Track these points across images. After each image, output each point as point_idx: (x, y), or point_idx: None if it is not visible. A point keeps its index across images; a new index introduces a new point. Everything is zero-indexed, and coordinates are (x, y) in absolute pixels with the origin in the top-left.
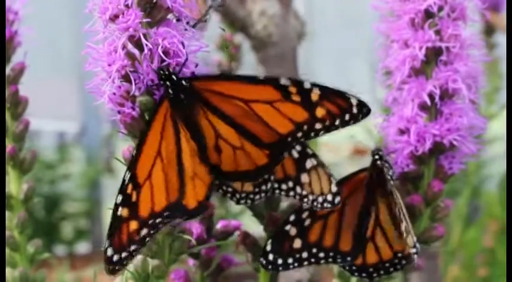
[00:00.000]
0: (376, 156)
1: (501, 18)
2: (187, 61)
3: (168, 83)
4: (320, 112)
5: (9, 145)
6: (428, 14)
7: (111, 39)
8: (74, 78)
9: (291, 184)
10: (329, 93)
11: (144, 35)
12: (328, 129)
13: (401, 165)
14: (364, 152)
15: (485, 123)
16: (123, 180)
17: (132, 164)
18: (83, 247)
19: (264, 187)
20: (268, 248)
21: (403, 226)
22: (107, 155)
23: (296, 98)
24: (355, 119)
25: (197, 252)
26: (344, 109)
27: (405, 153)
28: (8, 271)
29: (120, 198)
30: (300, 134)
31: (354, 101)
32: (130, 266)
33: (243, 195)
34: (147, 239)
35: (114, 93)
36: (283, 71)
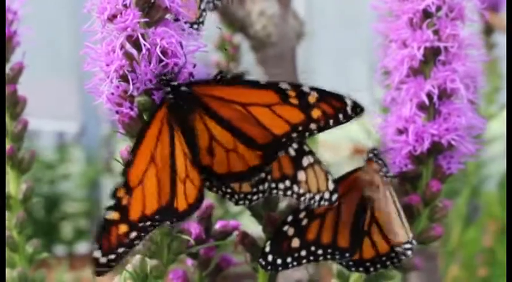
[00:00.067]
0: (371, 155)
1: (500, 18)
2: (186, 61)
3: (168, 88)
4: (316, 113)
5: (7, 145)
6: (426, 14)
7: (109, 39)
8: (73, 78)
9: (288, 183)
10: (326, 96)
11: (142, 35)
12: (322, 128)
13: (400, 165)
14: (364, 151)
15: (483, 123)
16: (116, 184)
17: (126, 168)
18: (82, 247)
19: (261, 187)
20: (267, 249)
21: (394, 221)
22: (106, 155)
23: (294, 101)
24: (348, 118)
25: (196, 252)
26: (338, 109)
27: (403, 153)
28: (7, 271)
29: (111, 202)
30: (294, 135)
31: (349, 102)
32: (129, 266)
33: (241, 195)
34: (136, 241)
35: (112, 93)
36: (282, 71)
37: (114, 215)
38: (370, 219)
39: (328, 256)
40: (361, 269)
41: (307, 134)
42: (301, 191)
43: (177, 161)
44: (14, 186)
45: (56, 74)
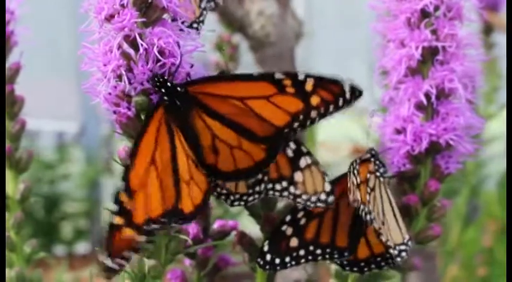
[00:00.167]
0: (369, 155)
1: (500, 18)
2: (183, 61)
3: (163, 90)
4: (315, 100)
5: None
6: (424, 14)
7: (106, 39)
8: (73, 78)
9: (285, 184)
10: (322, 82)
11: (140, 35)
12: (323, 115)
13: (398, 164)
14: (363, 151)
15: (482, 123)
16: (118, 189)
17: (126, 173)
18: (82, 247)
19: (258, 188)
20: (266, 248)
21: (381, 223)
22: (106, 155)
23: (291, 90)
24: (348, 104)
25: (194, 252)
26: (337, 94)
27: (402, 153)
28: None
29: (114, 206)
30: (296, 124)
31: (346, 86)
32: (127, 266)
33: (237, 196)
34: (143, 244)
35: (110, 93)
36: (281, 70)
37: (118, 220)
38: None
39: (327, 256)
40: (355, 268)
41: (308, 122)
42: (298, 192)
43: (179, 162)
44: (12, 186)
45: (55, 74)
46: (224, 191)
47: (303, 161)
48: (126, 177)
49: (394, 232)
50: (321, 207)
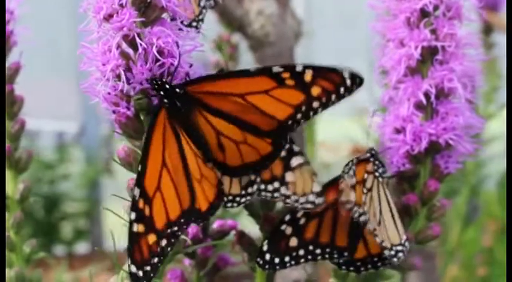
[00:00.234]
0: (367, 155)
1: (499, 18)
2: (182, 61)
3: (162, 92)
4: (316, 91)
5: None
6: (423, 13)
7: (105, 38)
8: (73, 78)
9: (276, 185)
10: (321, 71)
11: (139, 35)
12: (325, 105)
13: (397, 164)
14: (363, 151)
15: (481, 123)
16: (133, 197)
17: (140, 179)
18: (82, 247)
19: (250, 189)
20: (265, 248)
21: (377, 223)
22: (106, 155)
23: (290, 82)
24: (349, 91)
25: (193, 251)
26: (338, 83)
27: (401, 153)
28: None
29: (133, 214)
30: (299, 116)
31: (346, 74)
32: (126, 266)
33: (230, 198)
34: (168, 248)
35: (109, 93)
36: None
37: (139, 228)
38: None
39: (326, 255)
40: (352, 268)
41: (311, 113)
42: (288, 192)
43: (189, 163)
44: (11, 186)
45: (55, 74)
46: None
47: (294, 161)
48: (140, 184)
49: (391, 232)
50: (309, 209)
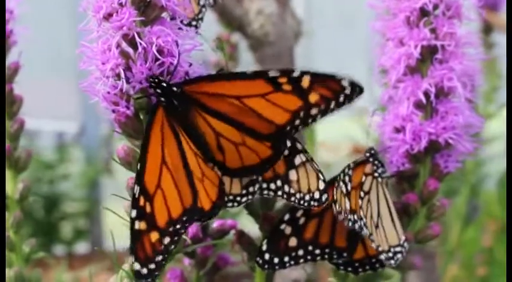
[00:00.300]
0: (364, 157)
1: (499, 18)
2: (182, 60)
3: (158, 90)
4: (313, 97)
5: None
6: (423, 12)
7: (105, 37)
8: (73, 78)
9: (279, 183)
10: (320, 78)
11: (138, 34)
12: (324, 113)
13: (397, 163)
14: (363, 151)
15: (481, 122)
16: (134, 194)
17: (139, 176)
18: (82, 247)
19: (251, 189)
20: (264, 247)
21: (374, 227)
22: (106, 155)
23: (287, 87)
24: (349, 100)
25: (193, 251)
26: (337, 91)
27: (401, 152)
28: None
29: (134, 212)
30: (297, 122)
31: (345, 82)
32: (125, 265)
33: (231, 197)
34: (172, 246)
35: (109, 92)
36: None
37: (141, 225)
38: None
39: (326, 256)
40: (349, 269)
41: (310, 120)
42: (292, 191)
43: (189, 161)
44: (11, 186)
45: (55, 74)
46: None
47: (298, 159)
48: (140, 181)
49: (390, 233)
50: (314, 206)
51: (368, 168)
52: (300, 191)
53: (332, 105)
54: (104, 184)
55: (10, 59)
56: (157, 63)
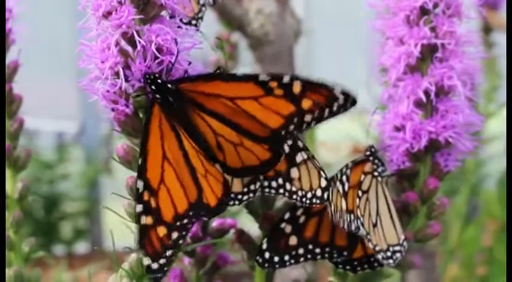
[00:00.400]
0: (364, 156)
1: (499, 17)
2: (181, 58)
3: (153, 87)
4: (306, 104)
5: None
6: (423, 11)
7: (104, 36)
8: (73, 78)
9: (281, 181)
10: (311, 85)
11: (137, 32)
12: (318, 120)
13: (397, 162)
14: (363, 150)
15: (481, 120)
16: (137, 189)
17: (141, 171)
18: (81, 247)
19: (253, 187)
20: (264, 246)
21: (372, 226)
22: (105, 155)
23: (279, 92)
24: (343, 109)
25: (192, 250)
26: (330, 99)
27: (401, 151)
28: None
29: (139, 207)
30: (292, 127)
31: (337, 91)
32: (125, 264)
33: (232, 196)
34: (180, 241)
35: (108, 91)
36: (279, 69)
37: (147, 220)
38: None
39: (326, 255)
40: (348, 267)
41: (304, 125)
42: (294, 188)
43: (191, 158)
44: (10, 185)
45: (55, 74)
46: None
47: (299, 157)
48: (142, 176)
49: (389, 232)
50: (316, 204)
51: (367, 167)
52: (301, 189)
53: (326, 113)
54: (103, 183)
55: (9, 57)
56: (157, 61)
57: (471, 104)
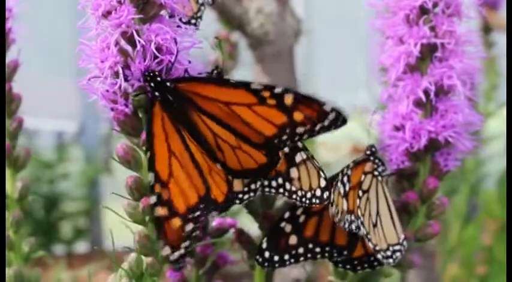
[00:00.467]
0: (364, 156)
1: (499, 17)
2: (181, 58)
3: (152, 84)
4: (298, 116)
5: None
6: (423, 10)
7: (104, 35)
8: (73, 78)
9: (280, 181)
10: (302, 99)
11: (137, 31)
12: (311, 133)
13: (397, 162)
14: (363, 150)
15: (481, 120)
16: (149, 182)
17: (150, 163)
18: (81, 246)
19: (253, 186)
20: (264, 245)
21: (372, 225)
22: (105, 155)
23: (271, 101)
24: (334, 125)
25: (192, 250)
26: (321, 115)
27: (400, 150)
28: None
29: (153, 198)
30: (285, 137)
31: (328, 108)
32: (125, 264)
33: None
34: (194, 233)
35: (107, 90)
36: (279, 69)
37: (162, 211)
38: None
39: (326, 254)
40: (348, 266)
41: (297, 137)
42: (293, 188)
43: (195, 155)
44: (10, 185)
45: (55, 73)
46: None
47: (299, 157)
48: (153, 169)
49: (389, 232)
50: (316, 204)
51: (368, 166)
52: (301, 189)
53: (318, 128)
54: (103, 183)
55: (9, 57)
56: (156, 61)
57: (471, 104)
